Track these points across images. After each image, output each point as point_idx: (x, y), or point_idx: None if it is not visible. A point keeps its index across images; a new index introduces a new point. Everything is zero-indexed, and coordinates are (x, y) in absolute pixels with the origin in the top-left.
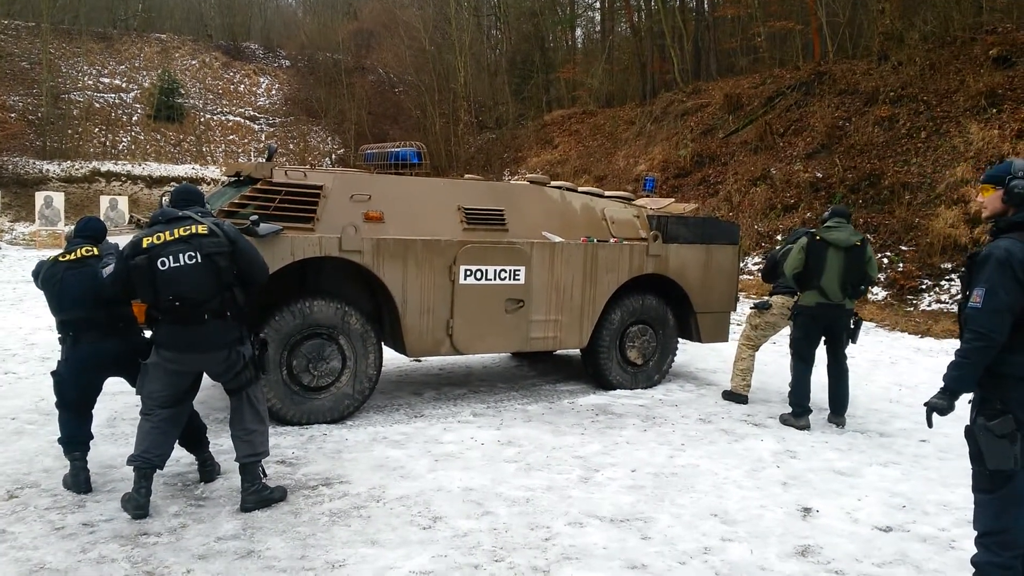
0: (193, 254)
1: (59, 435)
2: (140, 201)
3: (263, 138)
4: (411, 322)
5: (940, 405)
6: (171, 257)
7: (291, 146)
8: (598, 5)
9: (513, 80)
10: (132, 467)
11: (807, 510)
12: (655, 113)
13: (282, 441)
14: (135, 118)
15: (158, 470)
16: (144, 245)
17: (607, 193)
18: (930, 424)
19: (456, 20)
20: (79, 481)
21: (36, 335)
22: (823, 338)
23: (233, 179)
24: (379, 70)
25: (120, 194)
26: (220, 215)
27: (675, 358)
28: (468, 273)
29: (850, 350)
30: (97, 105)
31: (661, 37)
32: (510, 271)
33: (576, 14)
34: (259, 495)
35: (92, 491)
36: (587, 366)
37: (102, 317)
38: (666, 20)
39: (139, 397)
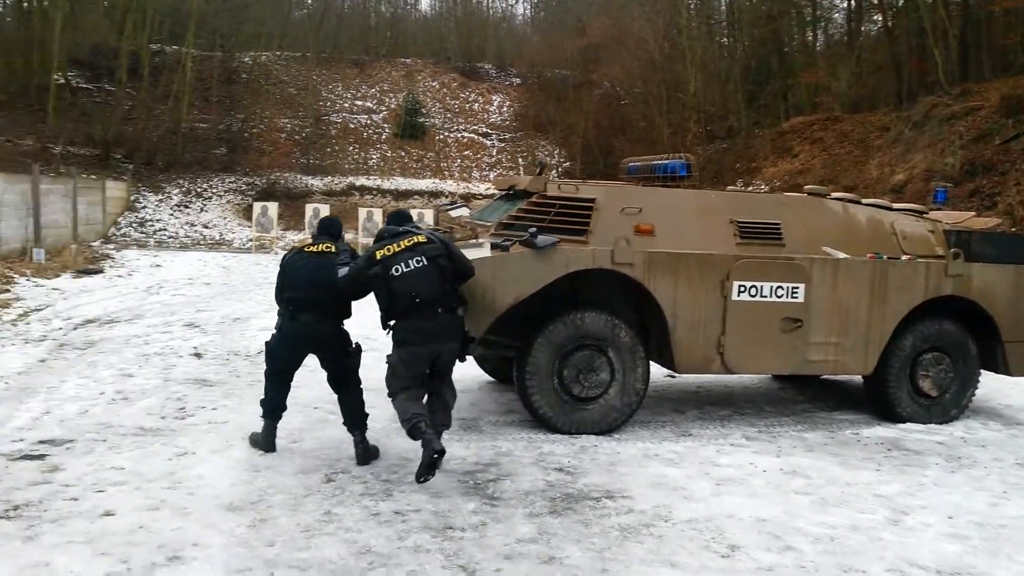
0: (420, 259)
1: (263, 399)
2: (387, 213)
3: (494, 153)
4: (681, 337)
5: None
6: (403, 264)
7: (520, 160)
8: (844, 4)
9: (746, 87)
10: (409, 427)
11: None
12: (914, 118)
13: (556, 449)
14: (383, 136)
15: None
16: (378, 257)
17: (896, 205)
18: None
19: (687, 30)
20: (269, 442)
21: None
22: None
23: (505, 193)
24: (605, 83)
25: (373, 206)
26: (499, 228)
27: (976, 392)
28: (742, 289)
29: None
30: (352, 126)
31: (920, 35)
32: (788, 288)
33: (820, 16)
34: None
35: (276, 451)
36: (871, 394)
37: (320, 301)
38: (927, 16)
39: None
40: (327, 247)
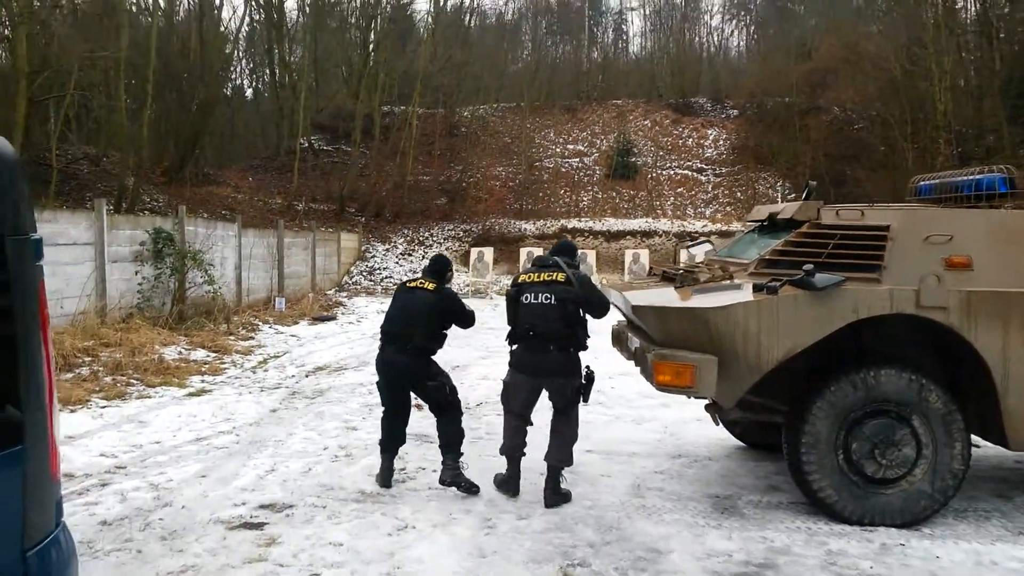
0: (549, 296)
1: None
2: (600, 254)
3: (709, 188)
4: (1016, 404)
5: None
6: (532, 294)
7: (738, 195)
8: None
9: (1008, 101)
10: (505, 456)
11: None
12: None
13: (847, 547)
14: (595, 178)
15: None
16: (519, 280)
17: None
18: None
19: (934, 42)
20: (385, 477)
21: None
22: None
23: (760, 224)
24: (835, 108)
25: (583, 248)
26: (761, 264)
27: None
28: None
29: None
30: (563, 169)
31: None
32: None
33: None
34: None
35: (392, 487)
36: None
37: (403, 335)
38: None
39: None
40: (422, 283)
